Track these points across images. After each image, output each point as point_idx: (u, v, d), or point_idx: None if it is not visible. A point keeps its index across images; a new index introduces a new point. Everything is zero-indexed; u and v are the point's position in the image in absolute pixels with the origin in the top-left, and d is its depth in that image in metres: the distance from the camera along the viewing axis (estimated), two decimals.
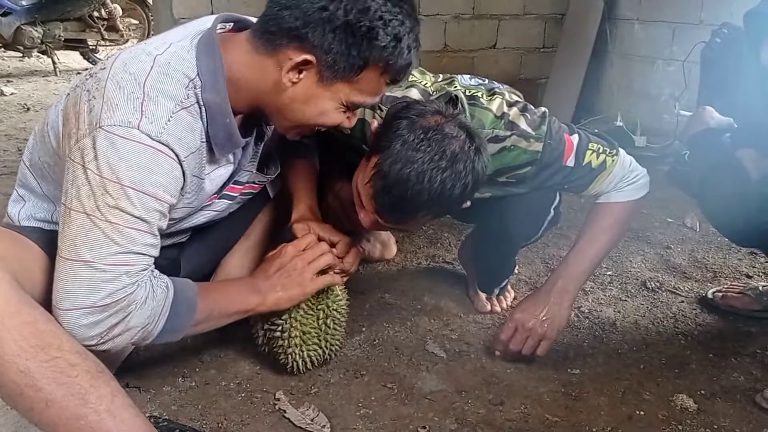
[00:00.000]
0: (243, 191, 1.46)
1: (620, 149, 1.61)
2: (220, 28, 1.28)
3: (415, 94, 1.51)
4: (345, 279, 1.52)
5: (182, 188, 1.21)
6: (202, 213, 1.41)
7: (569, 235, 2.38)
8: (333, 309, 1.49)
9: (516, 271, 2.09)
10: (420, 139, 1.27)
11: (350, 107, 1.26)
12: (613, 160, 1.58)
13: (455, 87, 1.54)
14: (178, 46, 1.19)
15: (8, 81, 5.39)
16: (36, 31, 5.35)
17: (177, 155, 1.15)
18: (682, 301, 1.99)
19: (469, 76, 1.64)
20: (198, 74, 1.18)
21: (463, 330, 1.79)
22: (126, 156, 1.09)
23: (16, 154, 3.33)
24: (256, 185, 1.50)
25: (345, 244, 1.50)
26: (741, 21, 2.76)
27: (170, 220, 1.24)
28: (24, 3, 5.34)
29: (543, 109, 1.57)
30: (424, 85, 1.54)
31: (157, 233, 1.18)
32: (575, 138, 1.55)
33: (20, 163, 1.38)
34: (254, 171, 1.45)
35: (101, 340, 1.13)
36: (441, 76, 1.63)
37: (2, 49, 5.67)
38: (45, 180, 1.32)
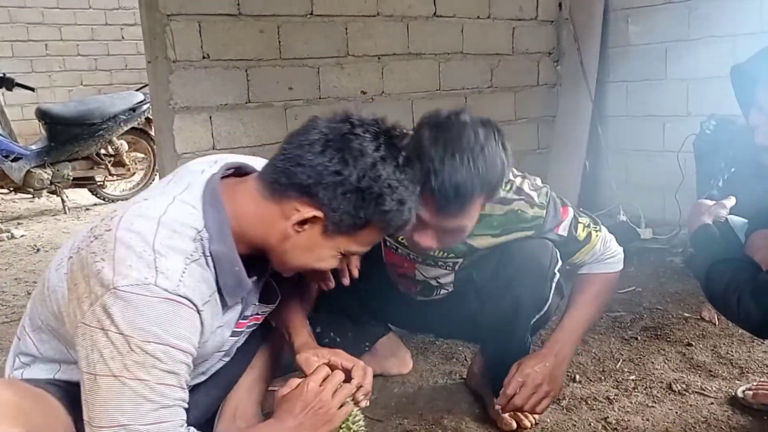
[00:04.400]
0: (248, 324, 1.46)
1: (603, 227, 1.79)
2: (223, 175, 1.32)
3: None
4: (367, 402, 1.49)
5: (201, 338, 1.22)
6: (214, 356, 1.41)
7: (586, 339, 2.33)
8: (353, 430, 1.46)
9: None
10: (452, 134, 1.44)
11: (345, 255, 1.31)
12: (596, 235, 1.76)
13: None
14: (182, 200, 1.23)
15: (18, 223, 5.48)
16: (45, 173, 5.48)
17: (195, 305, 1.17)
18: (712, 403, 1.91)
19: None
20: (205, 227, 1.21)
21: None
22: (145, 312, 1.10)
23: (26, 298, 3.30)
24: (260, 316, 1.50)
25: (360, 368, 1.48)
26: (727, 111, 2.85)
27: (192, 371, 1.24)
28: (34, 147, 5.50)
29: (538, 179, 1.74)
30: None
31: (185, 386, 1.19)
32: (570, 210, 1.73)
33: (19, 330, 1.37)
34: (257, 303, 1.45)
35: None
36: None
37: (12, 192, 5.79)
38: (44, 343, 1.32)
